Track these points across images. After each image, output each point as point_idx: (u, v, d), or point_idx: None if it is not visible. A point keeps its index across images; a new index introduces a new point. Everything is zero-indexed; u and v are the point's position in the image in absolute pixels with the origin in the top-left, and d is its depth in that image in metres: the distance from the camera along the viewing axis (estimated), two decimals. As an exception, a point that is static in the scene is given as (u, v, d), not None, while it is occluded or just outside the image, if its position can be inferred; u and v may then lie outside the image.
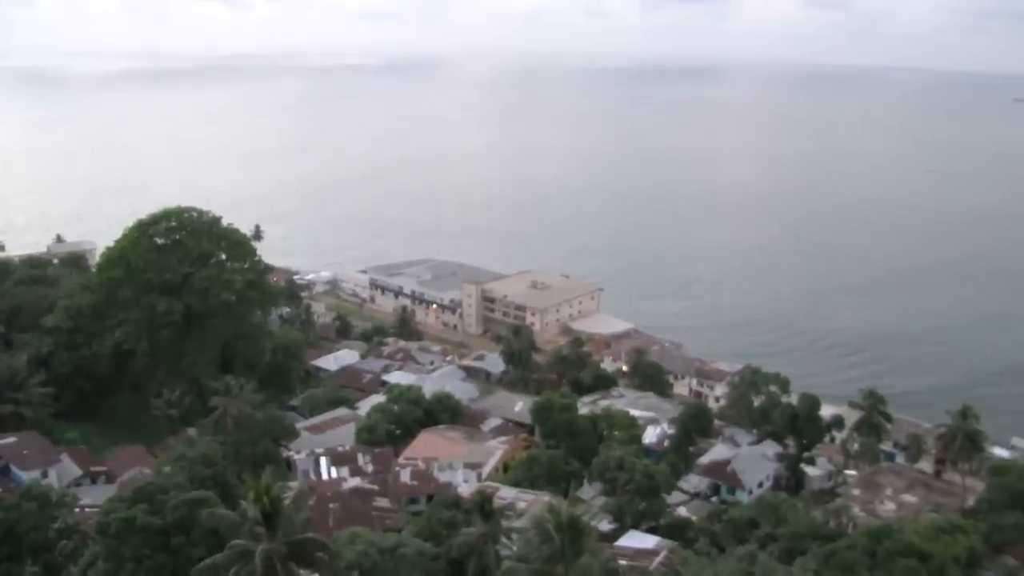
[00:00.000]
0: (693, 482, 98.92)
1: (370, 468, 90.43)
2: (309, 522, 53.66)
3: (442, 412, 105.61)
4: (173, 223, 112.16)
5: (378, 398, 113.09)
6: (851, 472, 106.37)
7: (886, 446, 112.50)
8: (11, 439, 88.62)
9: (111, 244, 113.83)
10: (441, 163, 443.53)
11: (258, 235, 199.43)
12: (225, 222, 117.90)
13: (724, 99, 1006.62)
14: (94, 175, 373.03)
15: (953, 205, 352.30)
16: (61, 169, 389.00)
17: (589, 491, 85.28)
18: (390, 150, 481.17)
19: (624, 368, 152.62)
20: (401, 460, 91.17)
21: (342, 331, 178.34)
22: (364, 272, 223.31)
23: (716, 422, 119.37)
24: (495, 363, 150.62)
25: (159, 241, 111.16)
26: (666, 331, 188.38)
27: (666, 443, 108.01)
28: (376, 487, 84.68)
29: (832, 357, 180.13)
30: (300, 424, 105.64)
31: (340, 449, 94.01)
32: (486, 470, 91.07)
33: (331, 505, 74.94)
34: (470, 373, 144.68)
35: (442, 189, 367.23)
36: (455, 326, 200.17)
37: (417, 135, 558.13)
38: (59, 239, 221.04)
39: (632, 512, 79.20)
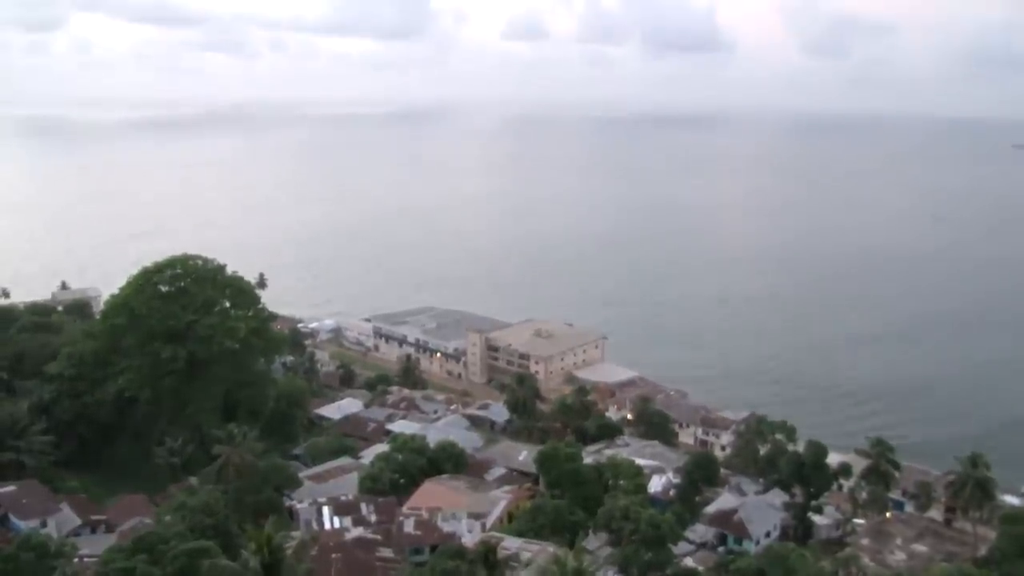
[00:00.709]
0: (700, 532, 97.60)
1: (373, 518, 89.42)
2: (311, 573, 53.05)
3: (446, 461, 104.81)
4: (178, 271, 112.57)
5: (382, 447, 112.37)
6: (860, 521, 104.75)
7: (895, 494, 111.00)
8: (11, 487, 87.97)
9: (116, 291, 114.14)
10: (446, 211, 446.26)
11: (262, 283, 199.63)
12: (230, 270, 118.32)
13: (727, 147, 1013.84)
14: (102, 223, 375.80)
15: (960, 252, 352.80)
16: (69, 217, 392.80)
17: (594, 541, 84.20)
18: (395, 198, 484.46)
19: (629, 416, 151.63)
20: (405, 510, 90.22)
21: (346, 380, 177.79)
22: (368, 320, 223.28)
23: (722, 471, 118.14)
24: (499, 412, 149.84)
25: (164, 289, 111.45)
26: (671, 379, 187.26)
27: (672, 492, 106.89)
28: (379, 537, 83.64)
29: (838, 406, 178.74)
30: (303, 473, 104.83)
31: (343, 498, 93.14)
32: (490, 520, 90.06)
33: (333, 555, 73.93)
34: (474, 422, 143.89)
35: (447, 237, 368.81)
36: (459, 375, 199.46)
37: (422, 183, 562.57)
38: (64, 286, 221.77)
39: (638, 563, 78.06)
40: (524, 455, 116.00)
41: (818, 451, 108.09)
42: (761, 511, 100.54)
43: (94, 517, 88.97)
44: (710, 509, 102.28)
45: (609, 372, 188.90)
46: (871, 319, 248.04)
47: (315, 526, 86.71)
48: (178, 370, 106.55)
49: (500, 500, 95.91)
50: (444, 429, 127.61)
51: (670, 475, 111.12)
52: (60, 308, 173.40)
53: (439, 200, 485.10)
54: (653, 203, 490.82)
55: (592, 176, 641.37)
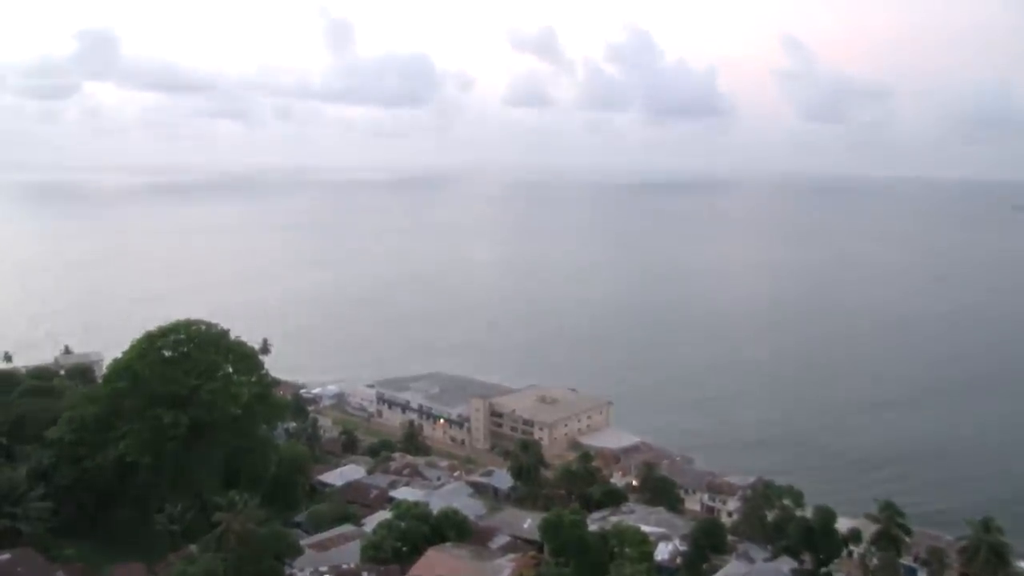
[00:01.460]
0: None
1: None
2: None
3: (449, 529, 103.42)
4: (182, 335, 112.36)
5: (384, 514, 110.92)
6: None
7: (906, 560, 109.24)
8: (5, 556, 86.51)
9: (119, 356, 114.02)
10: (450, 277, 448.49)
11: (266, 348, 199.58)
12: (234, 335, 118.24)
13: (728, 211, 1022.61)
14: (108, 287, 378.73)
15: (964, 313, 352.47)
16: (76, 281, 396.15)
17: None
18: (399, 264, 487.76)
19: (634, 483, 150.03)
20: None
21: (348, 446, 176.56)
22: (371, 386, 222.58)
23: (729, 537, 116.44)
24: (503, 479, 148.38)
25: (167, 353, 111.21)
26: (676, 445, 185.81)
27: (679, 560, 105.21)
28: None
29: (846, 471, 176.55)
30: (304, 541, 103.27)
31: (345, 567, 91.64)
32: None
33: (334, 626, 72.51)
34: (478, 489, 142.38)
35: (451, 303, 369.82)
36: (463, 441, 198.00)
37: (426, 248, 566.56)
38: (67, 350, 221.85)
39: (646, 633, 76.42)
40: (528, 522, 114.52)
41: (827, 516, 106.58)
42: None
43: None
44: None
45: (614, 438, 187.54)
46: (876, 381, 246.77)
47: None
48: (179, 436, 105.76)
49: (504, 568, 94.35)
50: (447, 496, 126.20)
51: (677, 542, 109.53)
52: (62, 372, 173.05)
53: (443, 265, 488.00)
54: (656, 268, 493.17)
55: (595, 241, 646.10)
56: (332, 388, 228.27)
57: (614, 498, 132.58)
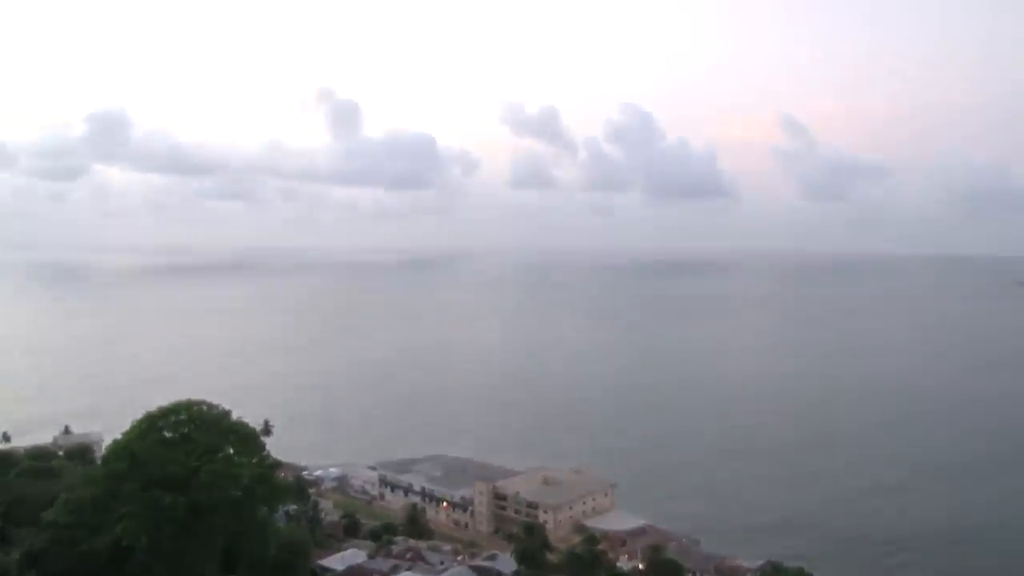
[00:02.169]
0: None
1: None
2: None
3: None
4: (182, 416, 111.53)
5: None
6: None
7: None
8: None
9: (119, 437, 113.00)
10: (454, 358, 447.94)
11: (267, 430, 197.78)
12: (235, 416, 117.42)
13: (732, 291, 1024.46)
14: (111, 368, 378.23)
15: (975, 393, 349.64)
16: (79, 361, 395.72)
17: None
18: (403, 345, 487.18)
19: (640, 566, 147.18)
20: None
21: (350, 529, 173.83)
22: (373, 468, 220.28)
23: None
24: (507, 563, 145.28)
25: (167, 434, 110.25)
26: (682, 527, 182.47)
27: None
28: None
29: (857, 556, 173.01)
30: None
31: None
32: None
33: None
34: (481, 573, 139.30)
35: (454, 384, 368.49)
36: (466, 524, 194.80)
37: (430, 330, 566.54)
38: (67, 431, 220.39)
39: None
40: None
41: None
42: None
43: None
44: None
45: (619, 520, 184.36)
46: (884, 461, 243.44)
47: None
48: (178, 518, 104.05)
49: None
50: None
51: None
52: (61, 453, 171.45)
53: (447, 347, 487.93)
54: (660, 348, 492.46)
55: (599, 322, 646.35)
56: (334, 471, 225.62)
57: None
